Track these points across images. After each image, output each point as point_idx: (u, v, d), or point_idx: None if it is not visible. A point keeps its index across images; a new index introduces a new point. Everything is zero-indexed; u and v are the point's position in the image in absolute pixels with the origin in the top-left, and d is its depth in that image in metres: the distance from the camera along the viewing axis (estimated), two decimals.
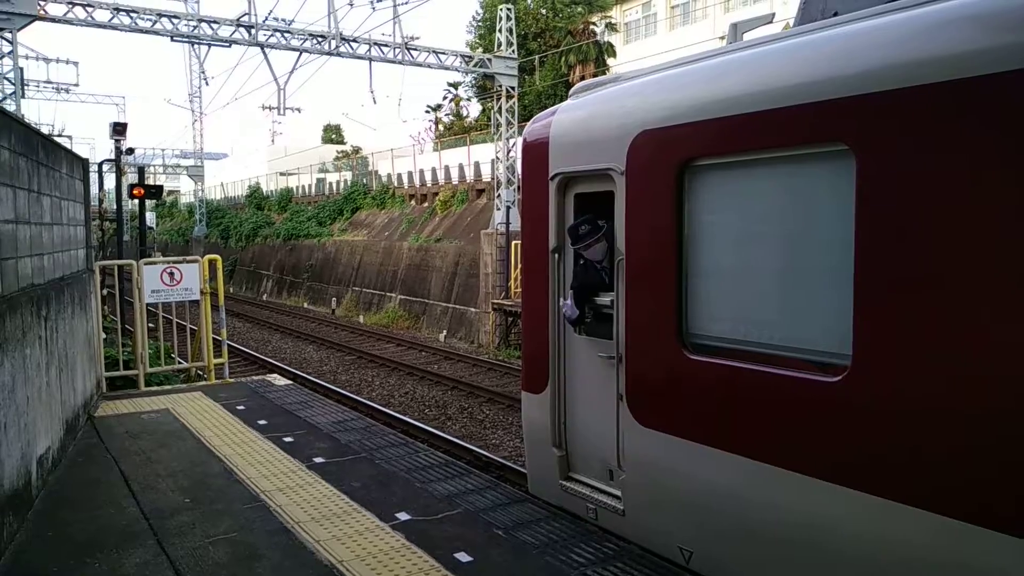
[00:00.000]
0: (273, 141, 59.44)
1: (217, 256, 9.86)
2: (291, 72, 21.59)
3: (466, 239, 25.92)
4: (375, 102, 23.73)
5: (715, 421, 4.01)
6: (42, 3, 17.29)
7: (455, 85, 47.07)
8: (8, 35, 17.03)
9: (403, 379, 17.00)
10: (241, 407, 7.89)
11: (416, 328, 25.98)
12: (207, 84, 38.32)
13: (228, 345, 10.13)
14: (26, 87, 30.34)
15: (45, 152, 6.44)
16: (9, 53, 17.28)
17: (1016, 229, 2.83)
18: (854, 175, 3.25)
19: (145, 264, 9.26)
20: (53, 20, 17.72)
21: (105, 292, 10.31)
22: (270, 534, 4.66)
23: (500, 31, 23.45)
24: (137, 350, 8.98)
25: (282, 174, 49.46)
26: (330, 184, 43.08)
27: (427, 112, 49.45)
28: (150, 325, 9.73)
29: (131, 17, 18.67)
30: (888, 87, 3.16)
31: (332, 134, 67.02)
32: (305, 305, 34.16)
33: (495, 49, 23.91)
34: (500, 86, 23.39)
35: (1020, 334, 2.81)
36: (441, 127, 47.71)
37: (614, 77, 5.24)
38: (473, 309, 23.47)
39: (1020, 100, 2.80)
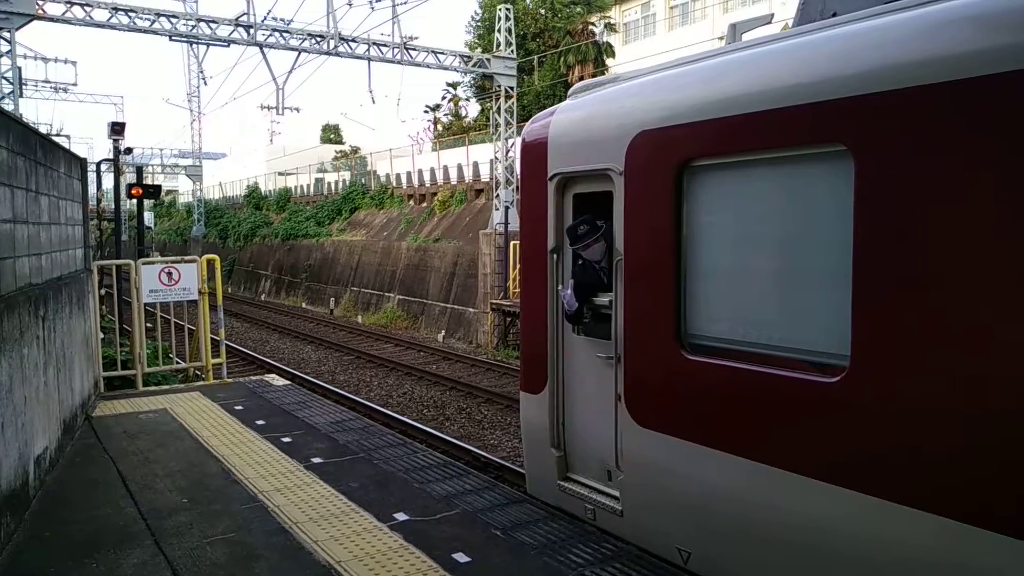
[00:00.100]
0: (272, 141, 59.40)
1: (215, 256, 9.84)
2: (290, 72, 21.57)
3: (464, 239, 25.91)
4: (374, 102, 23.80)
5: (713, 422, 4.01)
6: (40, 2, 17.27)
7: (454, 85, 47.16)
8: (6, 34, 17.00)
9: (401, 379, 16.98)
10: (239, 407, 7.88)
11: (414, 328, 25.95)
12: (205, 84, 38.26)
13: (226, 345, 10.12)
14: (24, 86, 30.32)
15: (43, 151, 6.43)
16: (7, 52, 17.24)
17: (1014, 230, 2.83)
18: (853, 176, 3.25)
19: (143, 264, 9.24)
20: (51, 19, 17.69)
21: (103, 292, 10.30)
22: (268, 534, 4.65)
23: (499, 31, 23.42)
24: (135, 350, 8.97)
25: (280, 174, 49.41)
26: (328, 184, 43.04)
27: (426, 112, 49.58)
28: (148, 325, 9.72)
29: (129, 16, 18.65)
30: (887, 88, 3.16)
31: (331, 134, 66.95)
32: (303, 305, 34.11)
33: (494, 49, 23.88)
34: (499, 86, 23.39)
35: (1018, 334, 2.81)
36: (440, 127, 47.73)
37: (613, 77, 5.23)
38: (471, 309, 23.46)
39: (1019, 101, 2.80)
